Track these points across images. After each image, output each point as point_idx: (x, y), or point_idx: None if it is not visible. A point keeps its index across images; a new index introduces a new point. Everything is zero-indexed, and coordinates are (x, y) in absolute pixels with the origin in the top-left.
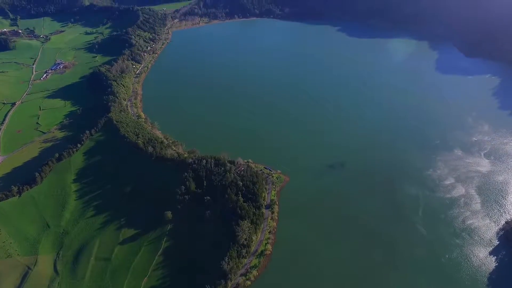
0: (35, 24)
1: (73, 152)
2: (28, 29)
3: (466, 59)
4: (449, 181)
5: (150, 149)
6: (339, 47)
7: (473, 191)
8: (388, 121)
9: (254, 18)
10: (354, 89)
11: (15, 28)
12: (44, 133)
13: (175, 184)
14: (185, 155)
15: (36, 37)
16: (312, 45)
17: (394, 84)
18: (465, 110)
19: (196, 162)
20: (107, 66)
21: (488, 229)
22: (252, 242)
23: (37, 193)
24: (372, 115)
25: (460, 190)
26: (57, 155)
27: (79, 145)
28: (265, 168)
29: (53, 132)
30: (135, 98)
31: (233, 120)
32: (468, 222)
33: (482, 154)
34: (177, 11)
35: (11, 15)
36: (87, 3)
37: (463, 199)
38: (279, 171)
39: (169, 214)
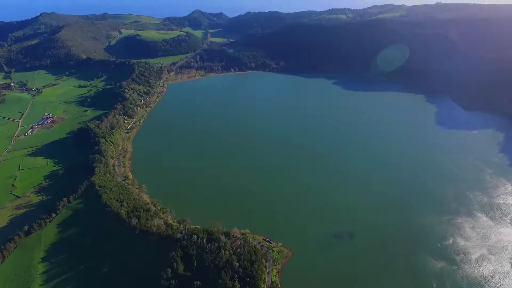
0: (29, 77)
1: (45, 224)
2: (21, 82)
3: (465, 113)
4: (477, 253)
5: (134, 220)
6: (336, 100)
7: (507, 265)
8: (396, 180)
9: (250, 71)
10: (356, 144)
11: (7, 81)
12: (18, 197)
13: (160, 264)
14: (174, 224)
15: (28, 90)
16: (308, 98)
17: (397, 138)
18: (479, 168)
19: (185, 237)
20: (97, 121)
21: None
22: None
23: None
24: (378, 173)
25: (491, 265)
26: (26, 227)
27: (53, 215)
28: (265, 240)
29: (29, 196)
30: (124, 156)
31: (228, 180)
32: None
33: (507, 219)
34: (173, 64)
35: (5, 68)
36: (84, 57)
37: (497, 276)
38: (280, 243)
39: None
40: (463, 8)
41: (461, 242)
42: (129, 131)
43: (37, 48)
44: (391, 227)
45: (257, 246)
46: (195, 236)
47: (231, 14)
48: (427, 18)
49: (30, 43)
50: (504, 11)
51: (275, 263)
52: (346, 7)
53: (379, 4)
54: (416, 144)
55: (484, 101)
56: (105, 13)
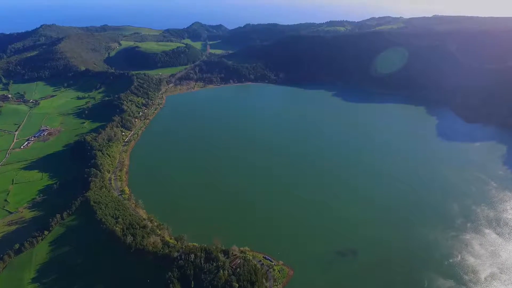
0: (26, 88)
1: (37, 242)
2: (19, 93)
3: (466, 125)
4: (486, 272)
5: (129, 238)
6: (336, 112)
7: None
8: (399, 194)
9: (249, 83)
10: (357, 158)
11: (5, 92)
12: (11, 212)
13: (156, 285)
14: (171, 241)
15: (25, 101)
16: (308, 110)
17: (399, 151)
18: (483, 181)
19: (182, 257)
20: (94, 134)
21: None
22: None
23: None
24: (380, 187)
25: (502, 284)
26: (17, 245)
27: (46, 232)
28: (265, 258)
29: (22, 212)
30: (121, 170)
31: (226, 195)
32: None
33: None
34: (172, 75)
35: (4, 80)
36: (82, 68)
37: None
38: (281, 262)
39: None
40: (461, 21)
41: (470, 260)
42: (127, 143)
43: (36, 59)
44: (395, 243)
45: (257, 265)
46: (192, 255)
47: (230, 26)
48: (425, 30)
49: (29, 55)
50: (501, 23)
51: (276, 283)
52: (345, 19)
53: (377, 17)
54: (418, 157)
55: (485, 112)
56: (105, 24)
